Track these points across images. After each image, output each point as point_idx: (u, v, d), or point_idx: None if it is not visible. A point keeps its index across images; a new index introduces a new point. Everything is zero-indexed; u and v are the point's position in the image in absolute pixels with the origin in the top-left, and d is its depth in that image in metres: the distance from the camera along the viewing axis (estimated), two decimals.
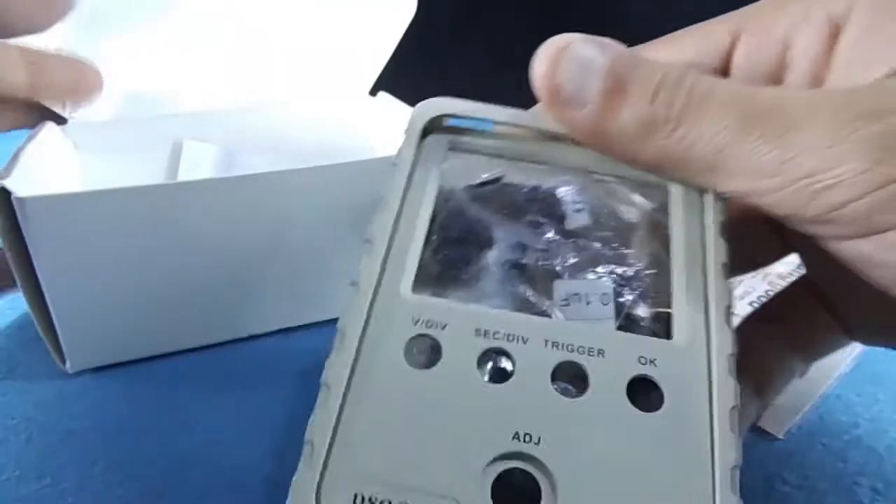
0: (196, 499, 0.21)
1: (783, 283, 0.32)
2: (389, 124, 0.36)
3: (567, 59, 0.16)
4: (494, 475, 0.14)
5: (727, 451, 0.15)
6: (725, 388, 0.16)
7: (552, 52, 0.16)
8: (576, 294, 0.17)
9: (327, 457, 0.14)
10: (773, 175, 0.14)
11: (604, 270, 0.18)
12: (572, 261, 0.18)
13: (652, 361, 0.15)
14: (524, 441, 0.14)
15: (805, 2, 0.19)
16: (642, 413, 0.15)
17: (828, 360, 0.27)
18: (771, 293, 0.31)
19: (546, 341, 0.16)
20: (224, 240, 0.26)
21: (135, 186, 0.24)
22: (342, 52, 0.39)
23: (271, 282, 0.29)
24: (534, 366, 0.15)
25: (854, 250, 0.15)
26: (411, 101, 0.36)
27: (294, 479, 0.14)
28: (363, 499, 0.13)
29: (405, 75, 0.39)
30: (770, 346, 0.21)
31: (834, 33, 0.18)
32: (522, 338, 0.16)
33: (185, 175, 0.34)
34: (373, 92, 0.40)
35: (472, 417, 0.14)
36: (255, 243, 0.27)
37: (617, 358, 0.15)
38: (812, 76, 0.19)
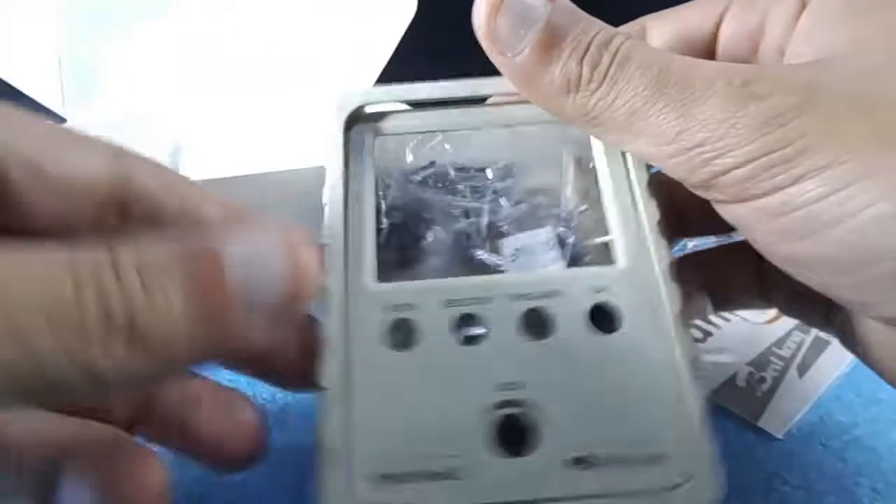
0: None
1: None
2: None
3: (509, 4, 0.16)
4: (493, 425, 0.16)
5: (686, 348, 0.17)
6: (672, 295, 0.17)
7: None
8: (521, 247, 0.19)
9: (348, 453, 0.15)
10: (670, 142, 0.16)
11: (543, 218, 0.20)
12: (513, 218, 0.19)
13: (605, 288, 0.17)
14: (510, 389, 0.16)
15: None
16: (607, 336, 0.17)
17: (828, 361, 0.27)
18: None
19: (509, 295, 0.17)
20: None
21: None
22: (342, 51, 0.39)
23: None
24: (502, 320, 0.17)
25: (732, 214, 0.17)
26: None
27: (323, 483, 0.15)
28: (388, 477, 0.15)
29: (405, 75, 0.39)
30: (689, 281, 0.21)
31: (800, 9, 0.19)
32: (487, 298, 0.17)
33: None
34: None
35: (459, 381, 0.16)
36: None
37: (574, 293, 0.17)
38: (777, 48, 0.20)
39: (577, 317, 0.17)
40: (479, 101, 0.20)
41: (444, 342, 0.17)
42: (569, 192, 0.20)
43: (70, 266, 0.12)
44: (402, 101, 0.20)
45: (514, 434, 0.16)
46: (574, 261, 0.19)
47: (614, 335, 0.17)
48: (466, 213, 0.20)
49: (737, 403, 0.25)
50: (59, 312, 0.11)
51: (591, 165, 0.20)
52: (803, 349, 0.28)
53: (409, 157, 0.21)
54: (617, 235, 0.18)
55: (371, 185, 0.19)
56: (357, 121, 0.20)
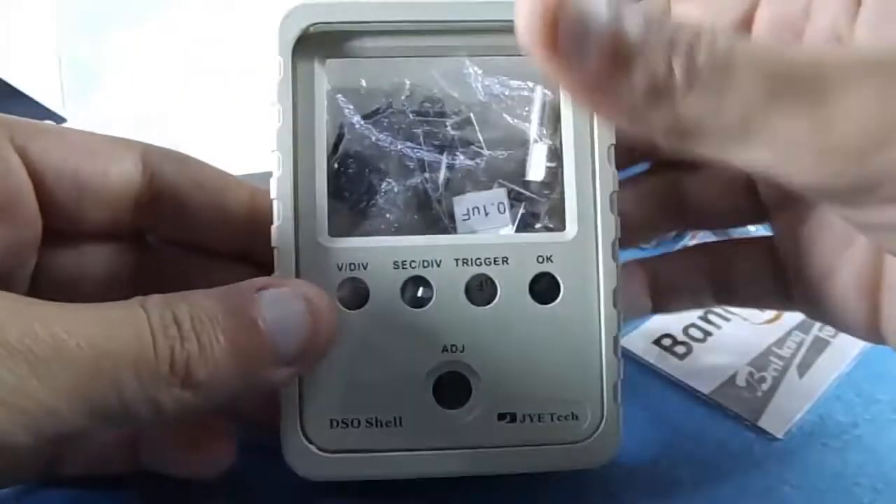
0: None
1: None
2: None
3: (569, 3, 0.13)
4: (433, 380, 0.17)
5: (611, 325, 0.18)
6: (609, 272, 0.18)
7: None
8: (474, 207, 0.19)
9: (300, 400, 0.17)
10: (804, 143, 0.13)
11: (502, 174, 0.19)
12: (470, 172, 0.19)
13: (549, 258, 0.18)
14: (451, 352, 0.17)
15: None
16: (543, 306, 0.18)
17: (828, 361, 0.27)
18: None
19: (456, 260, 0.18)
20: None
21: None
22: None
23: None
24: (449, 285, 0.18)
25: (880, 219, 0.14)
26: None
27: (281, 426, 0.18)
28: (337, 423, 0.17)
29: None
30: (693, 268, 0.23)
31: None
32: (436, 262, 0.18)
33: None
34: None
35: (406, 341, 0.17)
36: None
37: (518, 261, 0.18)
38: (829, 34, 0.18)
39: (518, 286, 0.18)
40: (446, 26, 0.18)
41: (393, 304, 0.18)
42: (528, 154, 0.19)
43: (149, 324, 0.14)
44: (359, 23, 0.18)
45: (450, 390, 0.18)
46: (525, 220, 0.19)
47: (550, 306, 0.18)
48: (422, 166, 0.19)
49: (737, 403, 0.25)
50: (144, 365, 0.14)
51: (558, 117, 0.19)
52: (803, 349, 0.28)
53: (363, 88, 0.19)
54: (569, 201, 0.18)
55: (322, 125, 0.18)
56: (306, 44, 0.18)
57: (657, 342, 0.29)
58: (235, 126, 0.37)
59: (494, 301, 0.18)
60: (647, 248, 0.38)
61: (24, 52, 0.33)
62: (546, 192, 0.19)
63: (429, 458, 0.17)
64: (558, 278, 0.18)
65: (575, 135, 0.18)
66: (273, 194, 0.18)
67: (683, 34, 0.13)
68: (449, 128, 0.19)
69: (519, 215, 0.19)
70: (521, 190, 0.19)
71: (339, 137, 0.19)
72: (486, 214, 0.19)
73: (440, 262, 0.18)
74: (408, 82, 0.19)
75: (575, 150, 0.18)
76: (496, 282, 0.18)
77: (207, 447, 0.19)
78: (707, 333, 0.29)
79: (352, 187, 0.19)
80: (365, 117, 0.19)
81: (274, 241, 0.18)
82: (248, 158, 0.37)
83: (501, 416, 0.18)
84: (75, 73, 0.34)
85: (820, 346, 0.28)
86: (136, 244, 0.21)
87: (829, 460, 0.23)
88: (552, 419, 0.18)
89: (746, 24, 0.19)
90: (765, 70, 0.13)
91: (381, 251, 0.18)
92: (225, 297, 0.16)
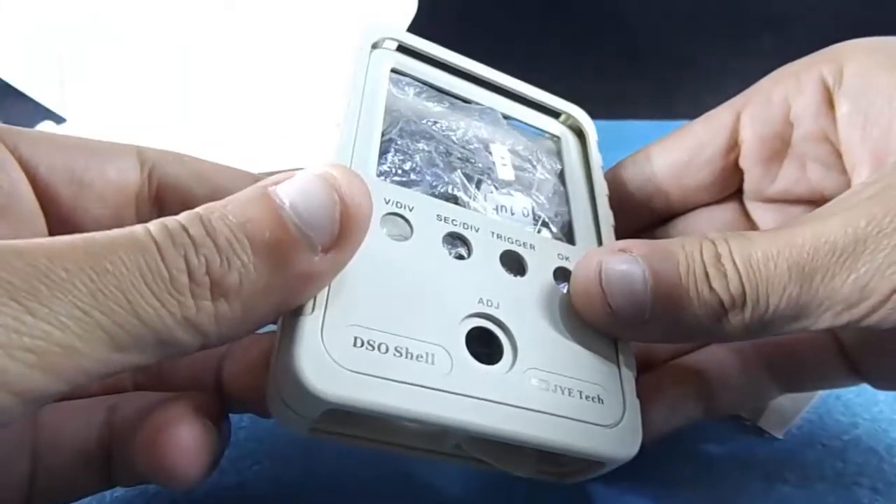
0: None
1: None
2: None
3: (609, 282, 0.17)
4: (467, 329, 0.17)
5: None
6: None
7: (589, 277, 0.17)
8: (503, 205, 0.21)
9: (325, 308, 0.15)
10: (861, 301, 0.16)
11: (525, 188, 0.22)
12: (501, 178, 0.22)
13: (566, 258, 0.20)
14: (487, 305, 0.17)
15: (795, 73, 0.21)
16: (564, 292, 0.19)
17: None
18: None
19: (492, 233, 0.19)
20: None
21: None
22: (342, 51, 0.39)
23: None
24: (486, 250, 0.19)
25: None
26: None
27: (298, 323, 0.15)
28: (362, 342, 0.15)
29: None
30: (752, 362, 0.21)
31: (828, 96, 0.20)
32: (474, 227, 0.19)
33: None
34: None
35: (444, 282, 0.17)
36: None
37: (543, 251, 0.20)
38: (819, 132, 0.21)
39: (545, 269, 0.19)
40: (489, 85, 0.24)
41: (434, 247, 0.18)
42: (545, 179, 0.23)
43: (149, 234, 0.13)
44: (426, 55, 0.23)
45: (483, 345, 0.17)
46: (542, 230, 0.21)
47: (568, 293, 0.19)
48: (462, 160, 0.21)
49: None
50: (155, 275, 0.12)
51: (562, 168, 0.24)
52: None
53: (418, 105, 0.22)
54: (578, 225, 0.22)
55: (381, 103, 0.21)
56: (378, 51, 0.22)
57: None
58: (236, 127, 0.37)
59: (525, 276, 0.19)
60: None
61: (24, 52, 0.33)
62: (560, 213, 0.22)
63: (454, 402, 0.15)
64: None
65: (579, 179, 0.24)
66: (337, 121, 0.19)
67: (701, 254, 0.17)
68: (485, 147, 0.22)
69: (539, 223, 0.21)
70: (542, 205, 0.22)
71: (395, 116, 0.21)
72: (512, 214, 0.21)
73: (478, 229, 0.19)
74: (445, 122, 0.22)
75: (581, 191, 0.23)
76: (526, 260, 0.19)
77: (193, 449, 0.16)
78: None
79: (398, 159, 0.20)
80: (418, 114, 0.22)
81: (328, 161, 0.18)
82: (248, 159, 0.37)
83: (533, 379, 0.17)
84: (75, 74, 0.34)
85: None
86: None
87: (829, 460, 0.23)
88: (581, 396, 0.17)
89: (730, 149, 0.23)
90: (786, 260, 0.16)
91: (426, 201, 0.19)
92: (236, 197, 0.14)
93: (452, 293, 0.17)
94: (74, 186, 0.17)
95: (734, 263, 0.16)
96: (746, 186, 0.23)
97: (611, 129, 0.54)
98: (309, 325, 0.15)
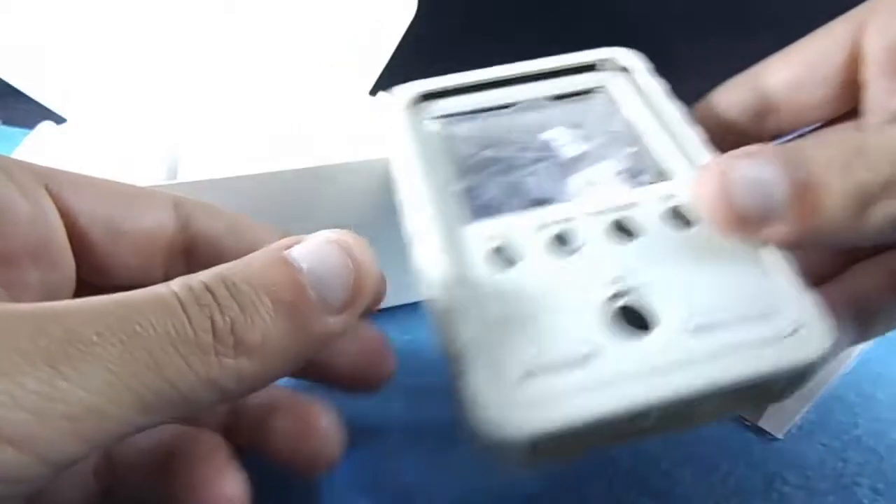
0: None
1: None
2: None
3: (739, 185, 0.16)
4: (611, 313, 0.17)
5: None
6: None
7: (716, 180, 0.16)
8: (588, 181, 0.20)
9: (486, 359, 0.16)
10: None
11: (597, 155, 0.21)
12: (572, 157, 0.21)
13: (671, 195, 0.19)
14: (617, 282, 0.17)
15: None
16: (689, 229, 0.18)
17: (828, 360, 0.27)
18: None
19: (590, 213, 0.19)
20: None
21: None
22: (342, 51, 0.39)
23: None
24: (592, 233, 0.18)
25: None
26: None
27: (470, 380, 0.15)
28: (529, 373, 0.16)
29: (405, 75, 0.39)
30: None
31: None
32: (572, 218, 0.19)
33: (185, 174, 0.34)
34: (373, 92, 0.40)
35: (571, 283, 0.17)
36: None
37: (647, 203, 0.19)
38: None
39: (656, 220, 0.19)
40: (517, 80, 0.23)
41: (545, 257, 0.18)
42: (612, 133, 0.22)
43: (175, 296, 0.13)
44: (455, 87, 0.23)
45: (630, 321, 0.17)
46: (635, 184, 0.21)
47: (694, 229, 0.18)
48: (532, 162, 0.21)
49: None
50: (182, 337, 0.13)
51: (621, 114, 0.22)
52: None
53: (465, 136, 0.22)
54: (667, 160, 0.20)
55: (435, 155, 0.21)
56: (414, 108, 0.23)
57: None
58: (237, 126, 0.37)
59: (639, 237, 0.18)
60: None
61: (24, 52, 0.33)
62: (642, 161, 0.21)
63: (635, 383, 0.16)
64: (689, 207, 0.19)
65: (647, 109, 0.22)
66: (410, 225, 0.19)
67: (840, 152, 0.16)
68: (543, 137, 0.22)
69: (628, 177, 0.21)
70: (622, 166, 0.21)
71: (454, 161, 0.21)
72: (599, 184, 0.20)
73: (575, 218, 0.19)
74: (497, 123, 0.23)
75: (655, 121, 0.22)
76: (634, 220, 0.19)
77: (316, 419, 0.19)
78: None
79: (476, 189, 0.20)
80: (470, 147, 0.22)
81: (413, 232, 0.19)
82: (249, 158, 0.37)
83: (697, 329, 0.16)
84: (76, 74, 0.34)
85: None
86: None
87: (829, 460, 0.23)
88: (748, 321, 0.17)
89: (852, 62, 0.21)
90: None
91: (518, 219, 0.19)
92: (254, 259, 0.15)
93: (582, 289, 0.17)
94: (111, 235, 0.18)
95: (876, 149, 0.15)
96: (868, 103, 0.22)
97: None
98: (481, 384, 0.15)
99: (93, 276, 0.18)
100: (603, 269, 0.18)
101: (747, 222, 0.17)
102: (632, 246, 0.18)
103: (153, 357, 0.12)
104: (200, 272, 0.14)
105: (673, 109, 0.21)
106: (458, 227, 0.19)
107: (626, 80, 0.23)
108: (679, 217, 0.19)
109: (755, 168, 0.16)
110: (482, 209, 0.20)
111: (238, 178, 0.25)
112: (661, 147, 0.21)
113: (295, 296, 0.14)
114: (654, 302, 0.17)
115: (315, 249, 0.15)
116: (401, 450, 0.24)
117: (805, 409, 0.25)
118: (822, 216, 0.16)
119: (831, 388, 0.26)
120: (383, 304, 0.32)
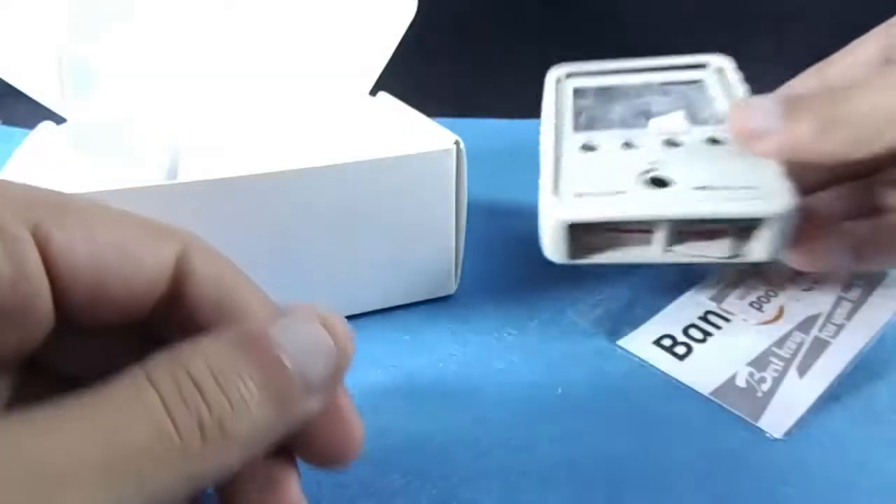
0: None
1: (783, 284, 0.32)
2: (389, 124, 0.36)
3: (752, 111, 0.25)
4: (646, 179, 0.26)
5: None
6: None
7: (740, 110, 0.25)
8: (662, 120, 0.29)
9: (558, 190, 0.26)
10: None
11: (679, 108, 0.30)
12: (661, 109, 0.30)
13: (714, 131, 0.28)
14: (653, 164, 0.26)
15: None
16: (711, 148, 0.27)
17: (828, 360, 0.27)
18: (771, 294, 0.31)
19: (657, 134, 0.29)
20: (223, 241, 0.26)
21: (133, 186, 0.24)
22: (342, 51, 0.39)
23: (269, 284, 0.28)
24: (651, 141, 0.28)
25: None
26: (411, 101, 0.36)
27: (546, 201, 0.25)
28: (582, 194, 0.25)
29: (405, 75, 0.39)
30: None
31: None
32: (643, 136, 0.28)
33: (184, 174, 0.34)
34: (373, 92, 0.40)
35: (625, 161, 0.27)
36: (255, 244, 0.27)
37: (695, 133, 0.28)
38: None
39: (696, 140, 0.28)
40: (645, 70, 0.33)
41: (613, 151, 0.28)
42: (696, 105, 0.31)
43: (161, 402, 0.13)
44: (591, 71, 0.33)
45: (656, 182, 0.26)
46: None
47: (722, 147, 0.27)
48: (633, 110, 0.31)
49: (737, 403, 0.25)
50: (165, 444, 0.12)
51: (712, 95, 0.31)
52: (803, 349, 0.28)
53: (591, 95, 0.33)
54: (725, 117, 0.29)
55: (570, 102, 0.32)
56: (562, 81, 0.33)
57: (657, 342, 0.29)
58: (237, 126, 0.37)
59: (682, 145, 0.27)
60: None
61: (24, 51, 0.33)
62: (711, 119, 0.29)
63: (650, 202, 0.25)
64: (719, 137, 0.27)
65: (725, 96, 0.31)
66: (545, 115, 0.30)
67: (814, 92, 0.24)
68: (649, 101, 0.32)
69: (696, 122, 0.29)
70: (694, 113, 0.30)
71: (581, 106, 0.31)
72: (672, 125, 0.29)
73: (647, 136, 0.28)
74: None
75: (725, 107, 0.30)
76: (682, 139, 0.28)
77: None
78: (707, 334, 0.29)
79: (590, 119, 0.31)
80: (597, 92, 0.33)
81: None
82: (248, 158, 0.37)
83: (692, 188, 0.25)
84: (75, 73, 0.34)
85: (820, 346, 0.28)
86: (146, 337, 0.18)
87: (829, 460, 0.23)
88: (733, 188, 0.25)
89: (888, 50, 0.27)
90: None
91: (607, 133, 0.29)
92: (239, 342, 0.14)
93: (628, 166, 0.26)
94: (95, 296, 0.16)
95: (843, 99, 0.23)
96: None
97: None
98: (550, 199, 0.25)
99: (68, 325, 0.16)
100: (648, 158, 0.27)
101: (753, 136, 0.24)
102: (674, 151, 0.27)
103: (137, 475, 0.12)
104: (180, 349, 0.14)
105: (742, 92, 0.30)
106: (567, 129, 0.30)
107: (722, 78, 0.32)
108: (714, 142, 0.27)
109: (766, 102, 0.24)
110: (583, 126, 0.30)
111: (238, 178, 0.25)
112: (723, 111, 0.29)
113: (282, 382, 0.14)
114: (673, 174, 0.25)
115: (299, 328, 0.15)
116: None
117: (805, 409, 0.25)
118: (798, 137, 0.23)
119: (831, 388, 0.26)
120: (385, 305, 0.32)
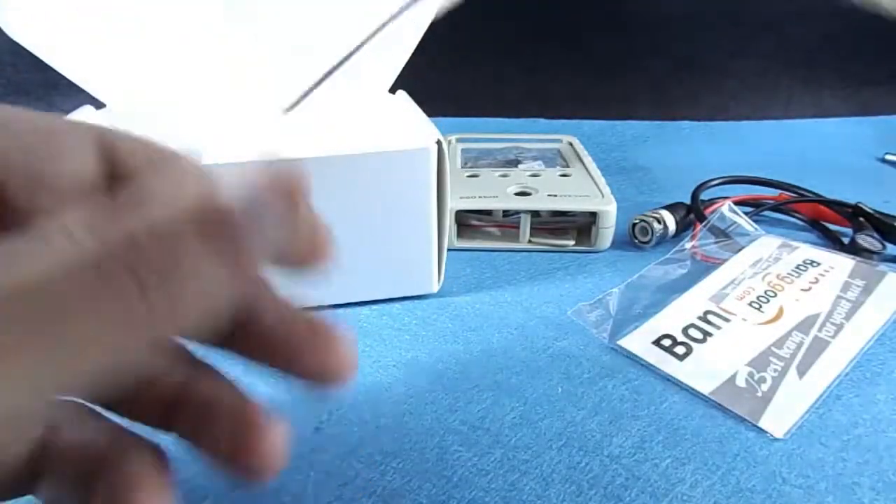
0: None
1: (783, 283, 0.32)
2: (383, 120, 0.36)
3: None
4: (515, 191, 0.38)
5: None
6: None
7: None
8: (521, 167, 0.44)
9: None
10: None
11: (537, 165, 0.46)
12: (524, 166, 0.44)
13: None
14: (521, 186, 0.40)
15: None
16: (557, 168, 0.44)
17: (828, 360, 0.27)
18: (771, 294, 0.31)
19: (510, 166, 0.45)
20: None
21: None
22: (363, 49, 0.39)
23: (279, 276, 0.29)
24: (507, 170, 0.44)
25: None
26: (416, 101, 0.36)
27: None
28: (466, 197, 0.38)
29: (407, 75, 0.40)
30: None
31: None
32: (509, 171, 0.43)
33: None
34: (392, 90, 0.40)
35: (496, 182, 0.41)
36: None
37: (551, 170, 0.44)
38: None
39: (552, 175, 0.42)
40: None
41: (494, 174, 0.42)
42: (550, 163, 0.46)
43: (93, 261, 0.11)
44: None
45: (522, 194, 0.37)
46: None
47: (570, 169, 0.44)
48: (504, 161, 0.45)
49: (737, 403, 0.25)
50: (108, 314, 0.11)
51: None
52: (803, 349, 0.28)
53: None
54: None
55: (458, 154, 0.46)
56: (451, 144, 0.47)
57: (657, 342, 0.29)
58: (259, 122, 0.37)
59: (541, 176, 0.41)
60: (646, 248, 0.38)
61: (66, 37, 0.34)
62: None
63: (519, 201, 0.38)
64: (570, 173, 0.42)
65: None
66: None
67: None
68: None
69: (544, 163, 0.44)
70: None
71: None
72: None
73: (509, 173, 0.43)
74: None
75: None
76: (521, 164, 0.44)
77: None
78: (707, 334, 0.29)
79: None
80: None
81: None
82: (249, 150, 0.37)
83: (549, 195, 0.38)
84: (75, 73, 0.34)
85: (820, 346, 0.28)
86: None
87: (829, 460, 0.23)
88: (576, 196, 0.38)
89: None
90: None
91: (486, 170, 0.43)
92: (180, 195, 0.13)
93: (504, 184, 0.39)
94: (38, 185, 0.16)
95: None
96: None
97: (611, 129, 0.54)
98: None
99: (5, 223, 0.16)
100: (517, 181, 0.40)
101: None
102: (536, 179, 0.40)
103: (75, 343, 0.11)
104: (119, 208, 0.12)
105: (587, 158, 0.45)
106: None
107: (570, 147, 0.48)
108: (564, 175, 0.41)
109: None
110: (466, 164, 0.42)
111: (257, 162, 0.26)
112: (572, 160, 0.45)
113: (216, 217, 0.13)
114: (535, 189, 0.38)
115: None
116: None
117: (805, 409, 0.25)
118: None
119: (831, 388, 0.26)
120: (376, 297, 0.32)
